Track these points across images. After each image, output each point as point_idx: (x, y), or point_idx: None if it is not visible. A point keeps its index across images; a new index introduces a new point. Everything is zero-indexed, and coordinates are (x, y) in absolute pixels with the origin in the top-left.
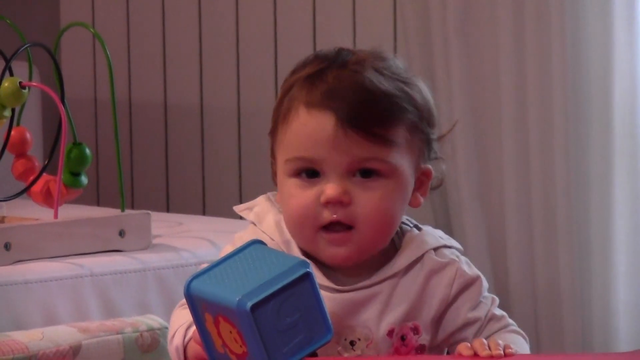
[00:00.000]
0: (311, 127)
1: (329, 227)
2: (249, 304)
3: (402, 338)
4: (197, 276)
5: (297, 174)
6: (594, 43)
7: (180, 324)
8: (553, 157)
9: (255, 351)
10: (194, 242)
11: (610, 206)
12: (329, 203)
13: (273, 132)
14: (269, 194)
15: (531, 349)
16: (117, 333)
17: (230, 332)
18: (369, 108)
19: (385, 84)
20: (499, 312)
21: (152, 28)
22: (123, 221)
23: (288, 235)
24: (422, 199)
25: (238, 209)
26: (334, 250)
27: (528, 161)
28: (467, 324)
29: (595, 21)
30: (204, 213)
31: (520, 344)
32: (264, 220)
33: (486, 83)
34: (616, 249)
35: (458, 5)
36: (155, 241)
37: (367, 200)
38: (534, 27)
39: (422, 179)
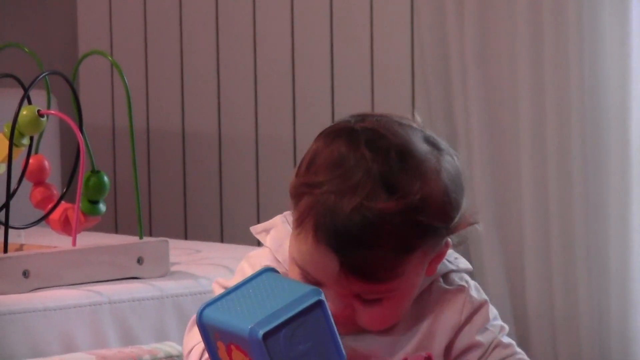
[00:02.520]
0: (317, 260)
1: None
2: (261, 332)
3: None
4: (209, 304)
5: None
6: (612, 68)
7: (196, 341)
8: (571, 182)
9: None
10: (212, 269)
11: (628, 234)
12: None
13: (291, 198)
14: (285, 214)
15: None
16: None
17: None
18: (374, 258)
19: (397, 218)
20: (506, 340)
21: (169, 56)
22: (141, 249)
23: None
24: (438, 266)
25: (255, 230)
26: (340, 327)
27: (546, 187)
28: (472, 347)
29: (613, 47)
30: (222, 240)
31: None
32: (281, 248)
33: (504, 113)
34: (634, 276)
35: (476, 34)
36: (173, 268)
37: (372, 314)
38: (552, 56)
39: (440, 254)
